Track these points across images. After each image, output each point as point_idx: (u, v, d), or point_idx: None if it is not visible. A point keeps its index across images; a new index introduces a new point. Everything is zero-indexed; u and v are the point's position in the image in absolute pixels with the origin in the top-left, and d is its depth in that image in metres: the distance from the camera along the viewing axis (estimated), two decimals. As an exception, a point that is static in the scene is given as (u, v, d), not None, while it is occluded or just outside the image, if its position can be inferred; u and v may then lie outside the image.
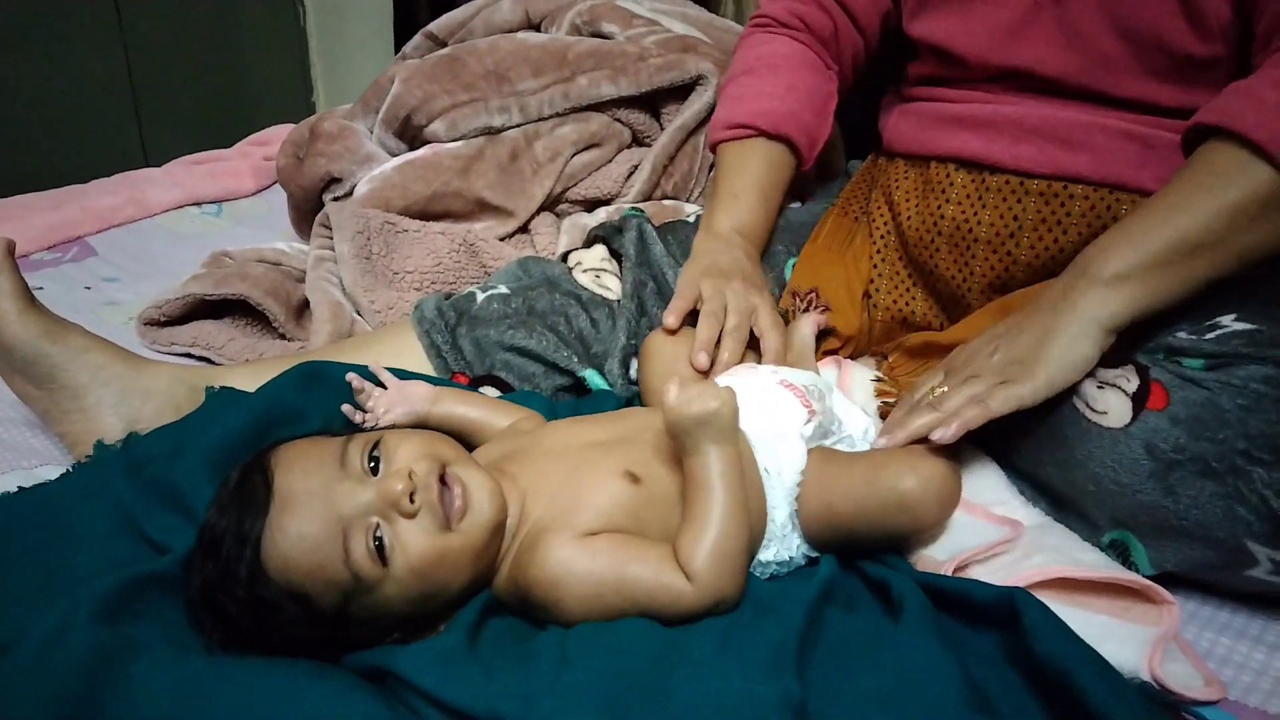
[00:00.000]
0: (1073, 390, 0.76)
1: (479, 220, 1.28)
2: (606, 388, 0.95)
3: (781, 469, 0.74)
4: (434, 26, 1.51)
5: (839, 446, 0.80)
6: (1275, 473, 0.69)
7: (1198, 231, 0.74)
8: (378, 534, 0.63)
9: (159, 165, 1.71)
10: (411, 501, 0.64)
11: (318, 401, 0.85)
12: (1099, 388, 0.75)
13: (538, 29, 1.48)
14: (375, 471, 0.66)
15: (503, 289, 0.99)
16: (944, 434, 0.72)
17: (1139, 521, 0.73)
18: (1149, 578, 0.71)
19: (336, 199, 1.29)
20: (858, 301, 1.01)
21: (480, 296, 0.99)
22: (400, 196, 1.24)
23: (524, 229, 1.30)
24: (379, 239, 1.18)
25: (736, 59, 1.10)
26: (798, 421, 0.77)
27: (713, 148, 1.08)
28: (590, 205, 1.34)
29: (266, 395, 0.85)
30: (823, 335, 1.00)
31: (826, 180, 1.19)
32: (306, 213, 1.34)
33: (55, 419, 0.89)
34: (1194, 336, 0.75)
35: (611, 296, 0.99)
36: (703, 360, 0.86)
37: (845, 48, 1.08)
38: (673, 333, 0.90)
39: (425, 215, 1.25)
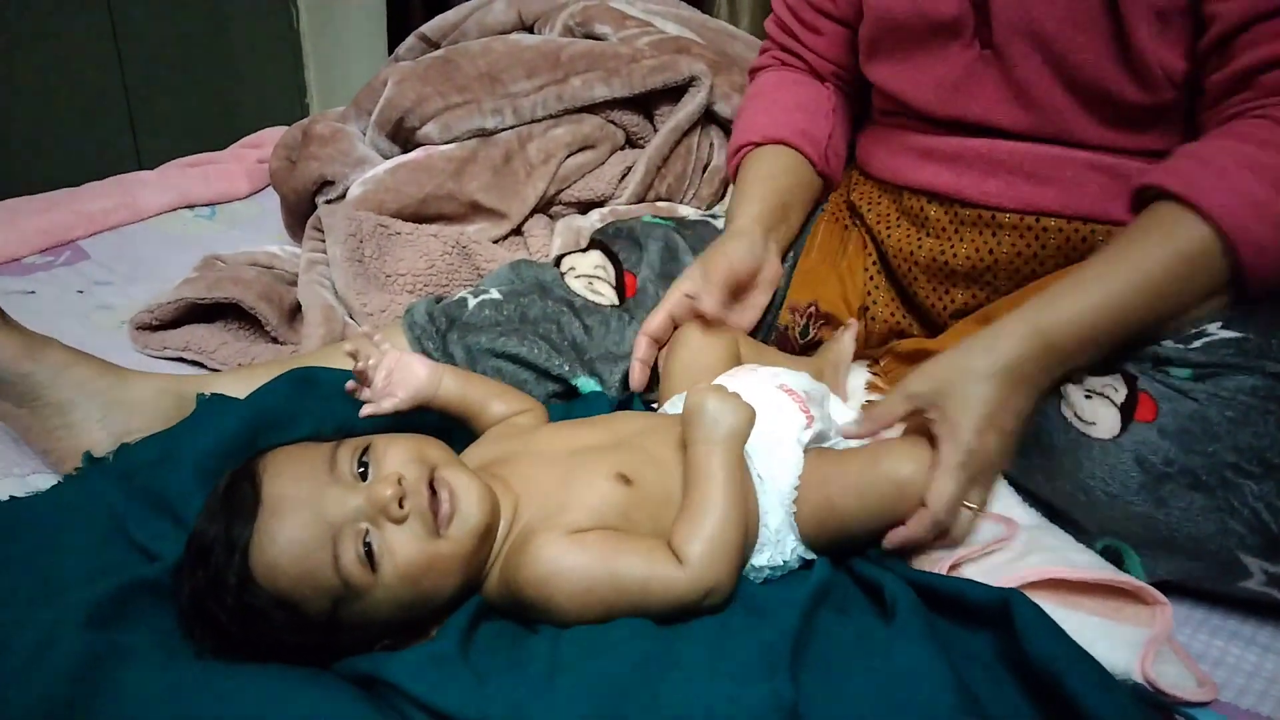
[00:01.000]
0: (1061, 399, 0.76)
1: (472, 222, 1.28)
2: (599, 390, 0.94)
3: (776, 476, 0.74)
4: (427, 28, 1.50)
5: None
6: (1266, 485, 0.69)
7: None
8: (367, 540, 0.63)
9: (152, 168, 1.70)
10: (401, 507, 0.64)
11: (309, 406, 0.85)
12: (1087, 397, 0.75)
13: (531, 30, 1.48)
14: (364, 476, 0.66)
15: (494, 294, 0.99)
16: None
17: (1130, 532, 0.73)
18: (1142, 581, 0.71)
19: (329, 202, 1.28)
20: (855, 314, 1.01)
21: (472, 302, 0.98)
22: (393, 199, 1.24)
23: (517, 231, 1.30)
24: (371, 242, 1.18)
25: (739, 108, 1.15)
26: (796, 428, 0.77)
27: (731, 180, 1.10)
28: (584, 207, 1.34)
29: (257, 401, 0.85)
30: (819, 344, 1.00)
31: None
32: (299, 216, 1.34)
33: (39, 436, 0.87)
34: (1181, 345, 0.75)
35: (604, 303, 0.99)
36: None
37: (828, 77, 1.09)
38: (705, 325, 0.89)
39: (418, 218, 1.25)
